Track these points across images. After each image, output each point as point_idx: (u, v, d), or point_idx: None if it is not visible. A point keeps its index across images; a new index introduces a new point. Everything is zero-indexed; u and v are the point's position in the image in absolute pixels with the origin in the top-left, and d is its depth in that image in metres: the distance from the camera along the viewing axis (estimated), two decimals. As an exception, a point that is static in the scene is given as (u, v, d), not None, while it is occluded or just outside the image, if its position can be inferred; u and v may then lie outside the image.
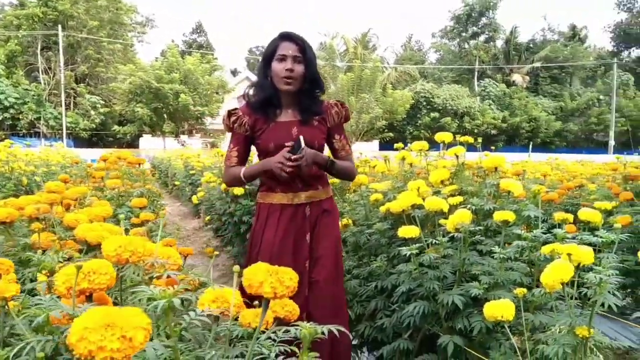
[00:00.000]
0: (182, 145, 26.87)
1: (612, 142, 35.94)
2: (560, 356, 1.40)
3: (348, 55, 37.76)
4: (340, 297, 2.20)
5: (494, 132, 37.45)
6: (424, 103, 36.46)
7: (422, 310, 1.97)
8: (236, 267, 0.84)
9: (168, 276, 0.91)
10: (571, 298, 1.52)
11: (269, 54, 2.13)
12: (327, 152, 2.33)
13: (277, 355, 0.81)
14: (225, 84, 29.93)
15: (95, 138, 32.61)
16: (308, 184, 2.17)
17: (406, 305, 2.14)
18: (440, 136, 2.65)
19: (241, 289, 0.95)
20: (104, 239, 1.66)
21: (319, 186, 2.21)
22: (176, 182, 10.07)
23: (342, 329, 0.83)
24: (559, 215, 2.37)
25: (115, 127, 28.63)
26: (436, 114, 36.11)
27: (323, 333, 0.74)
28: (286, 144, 2.05)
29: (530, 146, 27.80)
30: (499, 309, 1.55)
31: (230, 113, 2.21)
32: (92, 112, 30.49)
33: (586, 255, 1.48)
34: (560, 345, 1.44)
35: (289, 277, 0.74)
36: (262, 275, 0.73)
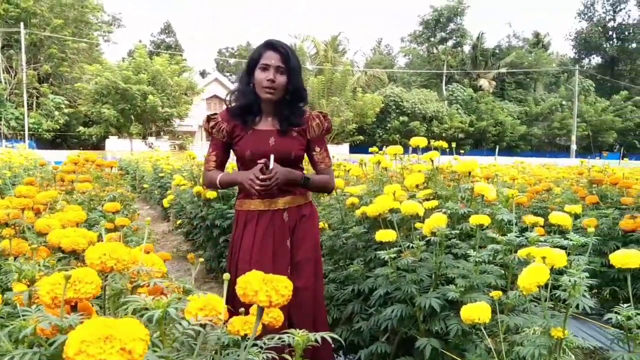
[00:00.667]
0: (150, 147, 26.39)
1: (574, 147, 37.07)
2: (536, 357, 1.43)
3: (318, 58, 37.89)
4: (319, 302, 2.20)
5: (461, 136, 38.11)
6: (394, 107, 36.86)
7: (399, 313, 1.99)
8: (226, 275, 0.83)
9: (154, 284, 0.90)
10: (545, 300, 1.57)
11: (253, 62, 2.11)
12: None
13: (267, 363, 0.81)
14: (194, 86, 29.59)
15: (59, 140, 31.75)
16: (285, 190, 2.15)
17: (383, 309, 2.16)
18: (415, 141, 2.69)
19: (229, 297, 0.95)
20: (79, 244, 1.62)
21: (296, 192, 2.18)
22: (145, 185, 9.89)
23: (328, 336, 0.83)
24: (529, 219, 2.43)
25: (80, 129, 27.91)
26: (405, 118, 36.55)
27: (316, 341, 0.74)
28: (258, 162, 2.03)
29: (497, 150, 28.45)
30: (476, 311, 1.58)
31: (209, 118, 2.21)
32: (56, 113, 29.66)
33: (559, 258, 1.53)
34: (536, 347, 1.48)
35: (283, 286, 0.74)
36: (257, 284, 0.72)
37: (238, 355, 0.77)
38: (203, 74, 48.31)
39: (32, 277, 0.92)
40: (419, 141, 2.69)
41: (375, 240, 2.55)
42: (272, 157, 2.04)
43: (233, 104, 2.20)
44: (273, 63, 2.05)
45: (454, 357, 1.91)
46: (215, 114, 2.21)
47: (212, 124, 2.18)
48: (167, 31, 47.22)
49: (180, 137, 31.93)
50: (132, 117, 26.15)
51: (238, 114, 2.15)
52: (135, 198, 4.09)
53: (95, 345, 0.50)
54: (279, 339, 0.79)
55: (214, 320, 0.85)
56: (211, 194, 4.52)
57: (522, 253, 1.57)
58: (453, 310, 1.99)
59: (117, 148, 29.33)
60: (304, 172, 2.23)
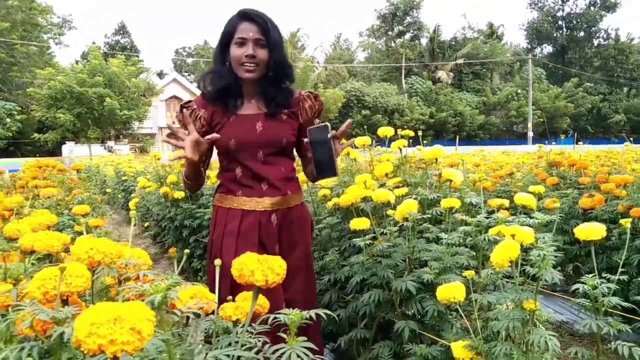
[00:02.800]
0: (110, 151, 25.77)
1: (530, 134, 38.26)
2: (510, 329, 1.50)
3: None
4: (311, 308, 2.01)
5: (422, 127, 38.73)
6: (355, 101, 37.19)
7: (377, 298, 2.03)
8: (217, 261, 0.84)
9: (145, 276, 0.91)
10: (515, 276, 1.64)
11: (227, 37, 1.84)
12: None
13: (263, 344, 0.83)
14: (153, 87, 29.00)
15: (12, 147, 30.58)
16: (275, 187, 1.90)
17: (360, 295, 2.20)
18: (382, 131, 2.73)
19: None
20: (53, 247, 1.60)
21: (287, 191, 1.94)
22: (107, 190, 9.67)
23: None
24: (495, 202, 2.52)
25: (35, 135, 26.94)
26: (367, 112, 36.93)
27: (311, 318, 0.76)
28: (252, 143, 1.80)
29: (457, 140, 29.11)
30: (451, 291, 1.64)
31: (182, 106, 1.88)
32: (8, 120, 28.53)
33: (527, 235, 1.60)
34: (510, 320, 1.55)
35: (278, 265, 0.76)
36: (253, 264, 0.74)
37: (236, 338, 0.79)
38: (161, 74, 47.41)
39: (17, 276, 0.91)
40: (386, 131, 2.74)
41: (348, 229, 2.59)
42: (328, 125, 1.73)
43: (209, 89, 1.90)
44: (251, 36, 1.79)
45: (432, 337, 1.97)
46: (190, 101, 1.91)
47: (186, 112, 1.85)
48: (121, 32, 46.09)
49: (140, 139, 31.27)
50: (90, 122, 25.40)
51: (216, 98, 1.87)
52: (103, 201, 4.01)
53: (105, 326, 0.51)
54: (275, 319, 0.81)
55: (205, 308, 0.86)
56: (179, 194, 4.48)
57: (492, 232, 1.64)
58: (428, 293, 2.05)
59: (75, 153, 28.48)
60: (294, 162, 2.03)
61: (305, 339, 0.76)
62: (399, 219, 2.20)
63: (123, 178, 8.99)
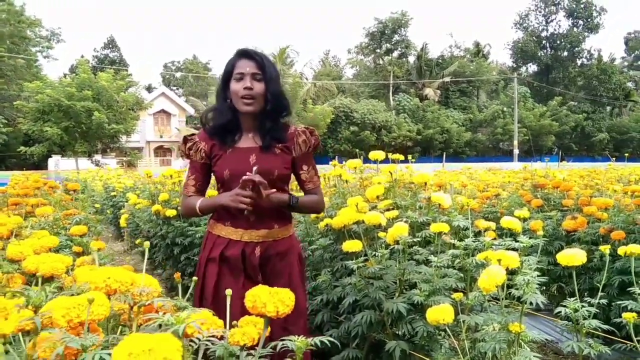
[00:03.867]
0: (97, 165, 25.64)
1: (516, 151, 38.76)
2: (497, 351, 1.58)
3: (267, 70, 37.96)
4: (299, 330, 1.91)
5: (409, 144, 39.16)
6: (344, 117, 37.50)
7: (368, 319, 2.10)
8: (228, 291, 0.91)
9: (151, 303, 0.97)
10: (502, 299, 1.72)
11: (227, 75, 1.97)
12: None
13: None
14: (141, 101, 28.99)
15: (-3, 160, 30.29)
16: (262, 221, 1.97)
17: (352, 316, 2.27)
18: (373, 155, 2.82)
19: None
20: (57, 270, 1.65)
21: (275, 225, 1.99)
22: (96, 205, 9.64)
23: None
24: (482, 224, 2.61)
25: (21, 148, 26.72)
26: (355, 128, 37.23)
27: (315, 345, 0.83)
28: (243, 177, 1.85)
29: (444, 156, 29.46)
30: (441, 313, 1.71)
31: (186, 139, 2.05)
32: (-6, 133, 28.32)
33: (513, 260, 1.69)
34: (497, 342, 1.62)
35: (288, 297, 0.83)
36: (265, 297, 0.81)
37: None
38: (149, 88, 47.35)
39: (39, 304, 0.97)
40: (377, 155, 2.83)
41: (341, 250, 2.67)
42: (255, 168, 1.86)
43: (210, 124, 2.05)
44: (248, 71, 1.91)
45: (422, 357, 2.04)
46: (193, 134, 2.07)
47: (189, 144, 2.03)
48: (110, 46, 46.13)
49: (128, 153, 31.16)
50: (77, 135, 25.28)
51: (216, 133, 2.00)
52: (99, 221, 4.04)
53: (141, 357, 0.58)
54: (282, 346, 0.87)
55: (216, 334, 0.93)
56: (171, 212, 4.51)
57: (480, 257, 1.72)
58: (418, 314, 2.12)
59: (61, 167, 28.26)
60: (290, 192, 2.08)
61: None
62: (390, 242, 2.28)
63: (112, 193, 8.98)
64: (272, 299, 0.82)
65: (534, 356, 1.54)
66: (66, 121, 24.47)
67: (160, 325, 0.81)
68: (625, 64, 57.88)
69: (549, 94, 48.78)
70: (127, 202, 7.67)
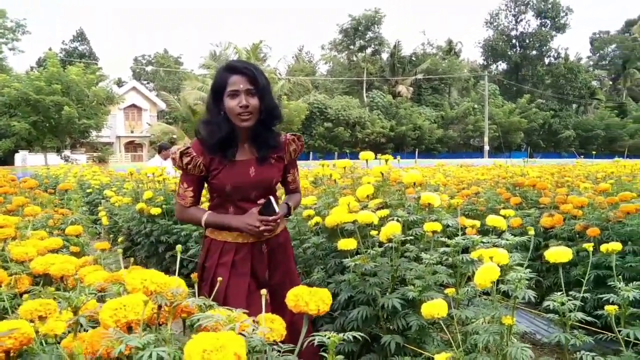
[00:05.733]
0: (66, 160, 25.07)
1: (486, 147, 39.57)
2: (491, 342, 1.68)
3: (241, 66, 37.73)
4: (298, 323, 2.09)
5: (383, 140, 39.51)
6: (318, 114, 37.58)
7: (364, 314, 2.19)
8: (263, 291, 0.98)
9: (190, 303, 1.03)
10: (493, 294, 1.83)
11: (219, 89, 2.02)
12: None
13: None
14: (113, 96, 28.45)
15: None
16: None
17: (346, 311, 2.35)
18: (364, 155, 2.91)
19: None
20: (68, 271, 1.69)
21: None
22: (69, 203, 9.49)
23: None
24: (468, 222, 2.73)
25: (-14, 143, 25.91)
26: (330, 124, 37.38)
27: (355, 338, 0.91)
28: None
29: (417, 153, 29.88)
30: (435, 308, 1.81)
31: (182, 154, 2.06)
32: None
33: (503, 257, 1.81)
34: (490, 334, 1.73)
35: (327, 296, 0.91)
36: (307, 296, 0.89)
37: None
38: (119, 83, 46.42)
39: (78, 305, 1.02)
40: (367, 156, 2.92)
41: (333, 248, 2.75)
42: (271, 198, 1.98)
43: (206, 137, 2.06)
44: (242, 87, 1.97)
45: (415, 349, 2.14)
46: (188, 147, 2.08)
47: (186, 160, 2.04)
48: (79, 39, 45.01)
49: (99, 149, 30.58)
50: (46, 130, 24.67)
51: (218, 149, 2.04)
52: (91, 221, 4.02)
53: (216, 353, 0.64)
54: (317, 342, 0.94)
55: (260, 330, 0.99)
56: (155, 210, 4.53)
57: (475, 254, 1.82)
58: (411, 309, 2.22)
59: (29, 162, 27.51)
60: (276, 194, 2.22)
61: (342, 357, 0.91)
62: (383, 240, 2.36)
63: (88, 190, 8.85)
64: (313, 298, 0.90)
65: (524, 346, 1.65)
66: (34, 116, 23.86)
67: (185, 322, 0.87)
68: (591, 63, 59.60)
69: (518, 91, 49.88)
70: (104, 199, 7.59)
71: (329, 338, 0.90)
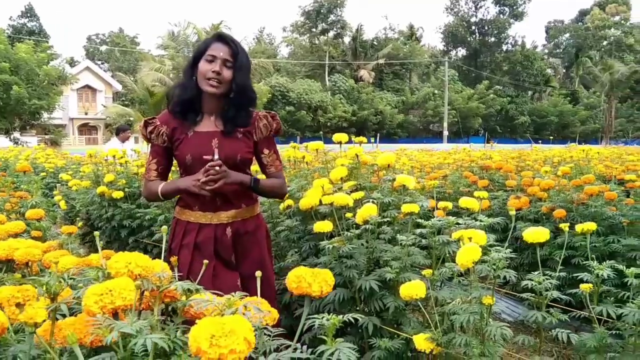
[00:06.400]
0: (16, 143, 23.95)
1: (445, 132, 40.29)
2: (472, 322, 1.70)
3: (201, 47, 36.91)
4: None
5: (344, 125, 39.60)
6: (280, 97, 37.27)
7: (341, 296, 2.17)
8: (258, 273, 0.93)
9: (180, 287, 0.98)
10: (461, 274, 1.84)
11: (199, 53, 1.96)
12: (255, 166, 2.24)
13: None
14: (65, 76, 27.28)
15: None
16: (229, 202, 2.02)
17: (322, 294, 2.33)
18: (337, 137, 2.87)
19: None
20: (34, 256, 1.59)
21: (242, 204, 2.05)
22: (23, 186, 9.08)
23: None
24: (441, 204, 2.74)
25: None
26: (292, 108, 37.17)
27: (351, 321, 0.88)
28: (204, 157, 1.91)
29: (378, 138, 30.11)
30: (414, 288, 1.82)
31: (147, 123, 2.03)
32: None
33: (481, 238, 1.82)
34: (470, 314, 1.74)
35: (330, 277, 0.87)
36: (310, 277, 0.84)
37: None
38: (72, 62, 44.61)
39: (57, 291, 0.95)
40: (341, 137, 2.88)
41: (307, 231, 2.72)
42: (216, 151, 1.91)
43: (173, 100, 2.03)
44: (221, 55, 1.91)
45: (393, 330, 2.14)
46: (154, 117, 2.06)
47: (150, 128, 2.02)
48: (28, 15, 42.85)
49: (51, 131, 29.39)
50: (-6, 111, 23.46)
51: (178, 110, 2.00)
52: (53, 204, 3.84)
53: (224, 338, 0.60)
54: (317, 324, 0.91)
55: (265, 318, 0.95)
56: (117, 193, 4.37)
57: (456, 235, 1.83)
58: (387, 290, 2.22)
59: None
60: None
61: (342, 340, 0.88)
62: (359, 222, 2.35)
63: (42, 174, 8.48)
64: (316, 279, 0.86)
65: (503, 326, 1.67)
66: (-20, 95, 22.63)
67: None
68: (546, 51, 61.37)
69: (476, 77, 50.87)
70: (59, 183, 7.30)
71: (328, 320, 0.86)
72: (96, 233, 1.23)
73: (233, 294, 0.91)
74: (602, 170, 4.87)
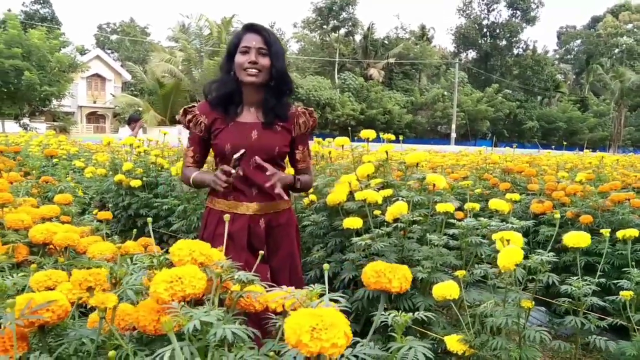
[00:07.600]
0: (25, 129, 24.01)
1: (453, 134, 40.14)
2: (509, 325, 1.67)
3: (212, 39, 36.90)
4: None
5: (352, 123, 39.50)
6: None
7: (370, 294, 2.15)
8: (326, 266, 0.91)
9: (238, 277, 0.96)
10: (485, 277, 1.82)
11: (232, 48, 1.99)
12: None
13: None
14: (77, 63, 27.33)
15: None
16: (265, 193, 2.00)
17: (348, 291, 2.31)
18: (365, 133, 2.85)
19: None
20: (73, 240, 1.58)
21: (277, 197, 2.01)
22: (34, 172, 9.08)
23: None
24: (469, 205, 2.72)
25: (-62, 107, 24.55)
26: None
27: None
28: (234, 156, 1.89)
29: (385, 138, 29.99)
30: (447, 289, 1.80)
31: (186, 111, 2.08)
32: None
33: (518, 240, 1.79)
34: (506, 316, 1.72)
35: (409, 273, 0.84)
36: (389, 273, 0.82)
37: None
38: (82, 50, 44.61)
39: (121, 276, 0.93)
40: (369, 134, 2.86)
41: (333, 227, 2.70)
42: (241, 151, 1.88)
43: (213, 94, 2.05)
44: (254, 45, 1.94)
45: (422, 330, 2.12)
46: (193, 105, 2.09)
47: (189, 117, 2.05)
48: (41, 1, 42.91)
49: (60, 118, 29.46)
50: (5, 96, 23.52)
51: (218, 104, 2.02)
52: (81, 189, 3.83)
53: (326, 332, 0.58)
54: (390, 321, 0.89)
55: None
56: (135, 182, 4.36)
57: (496, 236, 1.80)
58: (416, 290, 2.20)
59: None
60: (285, 170, 2.15)
61: (412, 338, 0.86)
62: (389, 219, 2.33)
63: (54, 160, 8.48)
64: (396, 275, 0.84)
65: (542, 329, 1.65)
66: (-10, 80, 22.68)
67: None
68: (557, 56, 61.01)
69: (486, 80, 50.61)
70: (72, 170, 7.30)
71: (396, 317, 0.84)
72: (149, 219, 1.21)
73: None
74: (617, 177, 4.83)
